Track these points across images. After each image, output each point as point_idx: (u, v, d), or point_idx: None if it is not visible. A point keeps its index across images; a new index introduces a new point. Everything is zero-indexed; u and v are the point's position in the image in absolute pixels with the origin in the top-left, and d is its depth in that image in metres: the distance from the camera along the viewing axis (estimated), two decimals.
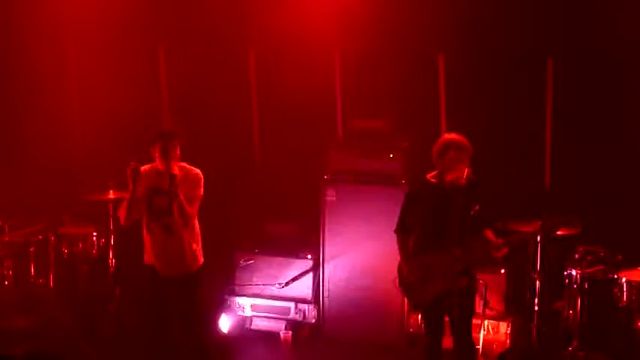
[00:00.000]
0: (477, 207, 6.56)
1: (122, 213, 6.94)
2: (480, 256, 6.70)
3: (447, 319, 6.81)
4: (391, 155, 8.29)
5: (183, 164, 6.99)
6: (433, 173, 6.73)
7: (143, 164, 6.95)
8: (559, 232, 7.47)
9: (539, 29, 8.29)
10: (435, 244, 6.62)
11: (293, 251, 8.71)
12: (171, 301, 7.01)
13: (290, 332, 8.42)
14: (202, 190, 6.99)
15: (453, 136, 6.74)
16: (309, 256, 8.61)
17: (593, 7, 8.11)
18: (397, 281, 6.90)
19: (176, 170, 6.81)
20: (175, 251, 6.96)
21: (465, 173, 6.52)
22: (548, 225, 7.12)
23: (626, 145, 8.20)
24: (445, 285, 6.57)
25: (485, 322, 7.94)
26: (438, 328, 6.77)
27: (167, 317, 7.05)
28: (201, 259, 7.10)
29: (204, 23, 9.20)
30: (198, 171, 7.02)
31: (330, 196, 8.41)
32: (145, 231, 7.03)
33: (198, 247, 7.08)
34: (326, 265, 8.46)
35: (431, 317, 6.78)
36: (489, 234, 6.70)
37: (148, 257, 7.07)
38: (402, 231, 6.83)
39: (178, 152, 6.91)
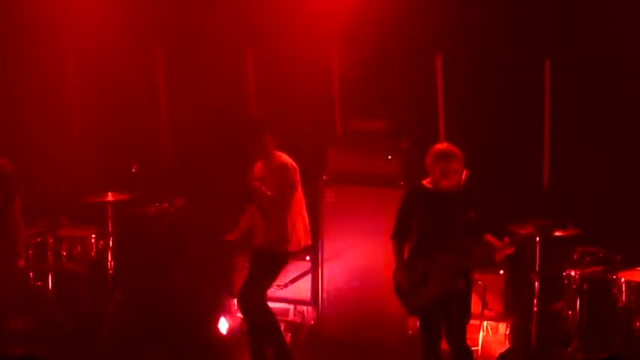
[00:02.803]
0: (474, 213, 6.59)
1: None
2: (480, 260, 6.71)
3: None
4: (389, 157, 8.29)
5: (279, 155, 7.48)
6: (428, 179, 6.75)
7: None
8: (557, 233, 7.49)
9: (536, 31, 8.31)
10: (431, 248, 6.62)
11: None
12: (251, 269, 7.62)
13: (289, 334, 8.40)
14: (289, 180, 7.41)
15: (442, 146, 6.76)
16: (308, 258, 8.59)
17: (590, 9, 8.12)
18: (394, 287, 6.90)
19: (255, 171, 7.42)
20: (263, 228, 7.50)
21: (464, 176, 6.55)
22: (543, 227, 7.18)
23: (624, 146, 8.21)
24: (441, 289, 6.58)
25: (485, 323, 7.96)
26: (435, 333, 6.76)
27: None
28: (284, 248, 7.51)
29: (203, 24, 9.21)
30: (285, 162, 7.44)
31: (329, 197, 8.40)
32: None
33: (280, 238, 7.48)
34: (324, 267, 8.46)
35: (428, 322, 6.77)
36: (490, 238, 6.71)
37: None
38: (397, 237, 6.84)
39: (267, 142, 7.36)
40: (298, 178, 7.54)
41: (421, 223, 6.69)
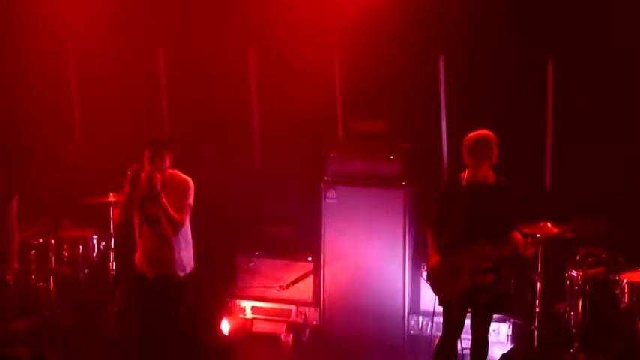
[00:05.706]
0: (507, 208, 6.66)
1: (116, 214, 7.01)
2: (510, 256, 6.74)
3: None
4: (391, 157, 8.29)
5: (174, 172, 6.92)
6: (466, 172, 6.79)
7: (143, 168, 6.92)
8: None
9: (539, 30, 8.29)
10: (464, 240, 6.66)
11: (293, 253, 8.71)
12: (155, 302, 6.95)
13: (291, 334, 8.43)
14: (191, 199, 6.86)
15: (476, 133, 6.81)
16: (310, 259, 8.61)
17: (593, 8, 8.11)
18: (425, 275, 6.95)
19: (157, 179, 6.70)
20: (164, 256, 6.88)
21: (491, 173, 6.70)
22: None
23: (626, 146, 8.19)
24: (472, 281, 6.61)
25: None
26: (457, 324, 6.80)
27: (151, 320, 7.01)
28: (190, 267, 7.00)
29: (204, 24, 9.20)
30: (187, 179, 6.90)
31: (331, 198, 8.41)
32: (137, 235, 6.98)
33: (187, 255, 6.98)
34: (326, 267, 8.47)
35: (454, 312, 6.79)
36: (517, 235, 6.74)
37: (138, 261, 7.03)
38: (434, 226, 6.88)
39: (167, 161, 6.82)
40: None
41: (455, 214, 6.73)
